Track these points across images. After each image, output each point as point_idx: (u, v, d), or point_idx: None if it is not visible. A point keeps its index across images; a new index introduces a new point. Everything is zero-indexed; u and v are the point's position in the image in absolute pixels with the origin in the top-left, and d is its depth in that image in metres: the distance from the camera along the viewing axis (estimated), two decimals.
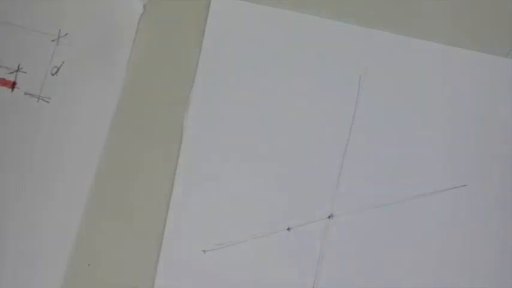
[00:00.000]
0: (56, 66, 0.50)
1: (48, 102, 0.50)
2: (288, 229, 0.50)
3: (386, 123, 0.51)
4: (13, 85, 0.50)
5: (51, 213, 0.49)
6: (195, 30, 0.51)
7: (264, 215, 0.50)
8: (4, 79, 0.50)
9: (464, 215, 0.51)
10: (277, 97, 0.51)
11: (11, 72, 0.50)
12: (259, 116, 0.51)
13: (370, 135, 0.51)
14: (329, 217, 0.50)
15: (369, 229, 0.51)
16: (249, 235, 0.50)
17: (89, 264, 0.49)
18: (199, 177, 0.50)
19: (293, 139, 0.51)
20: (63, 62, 0.50)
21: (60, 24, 0.50)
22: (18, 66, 0.50)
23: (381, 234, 0.51)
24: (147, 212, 0.50)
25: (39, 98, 0.50)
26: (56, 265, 0.49)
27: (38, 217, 0.49)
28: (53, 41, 0.50)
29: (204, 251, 0.50)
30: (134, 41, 0.50)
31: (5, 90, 0.50)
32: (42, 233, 0.49)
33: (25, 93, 0.50)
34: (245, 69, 0.51)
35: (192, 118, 0.50)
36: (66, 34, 0.50)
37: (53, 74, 0.50)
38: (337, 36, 0.51)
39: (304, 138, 0.51)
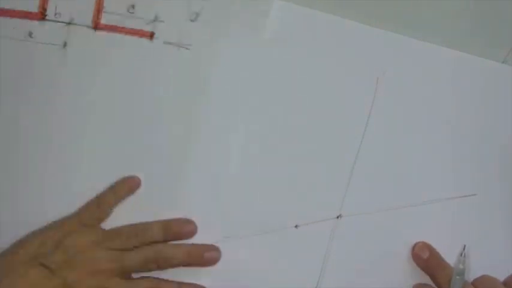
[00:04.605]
0: (195, 12, 0.49)
1: (188, 49, 0.49)
2: (296, 226, 0.50)
3: (400, 127, 0.51)
4: (151, 35, 0.50)
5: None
6: None
7: (273, 211, 0.50)
8: (142, 30, 0.50)
9: (473, 223, 0.51)
10: (291, 95, 0.50)
11: (148, 23, 0.50)
12: (272, 113, 0.50)
13: (383, 138, 0.51)
14: (337, 217, 0.50)
15: (376, 232, 0.51)
16: (257, 229, 0.50)
17: None
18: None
19: (307, 137, 0.50)
20: (202, 7, 0.49)
21: None
22: (155, 16, 0.49)
23: (387, 238, 0.51)
24: None
25: (179, 46, 0.49)
26: None
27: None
28: None
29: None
30: None
31: (144, 41, 0.50)
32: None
33: (164, 42, 0.50)
34: (260, 66, 0.50)
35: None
36: None
37: (192, 21, 0.49)
38: (356, 37, 0.50)
39: (317, 137, 0.50)
